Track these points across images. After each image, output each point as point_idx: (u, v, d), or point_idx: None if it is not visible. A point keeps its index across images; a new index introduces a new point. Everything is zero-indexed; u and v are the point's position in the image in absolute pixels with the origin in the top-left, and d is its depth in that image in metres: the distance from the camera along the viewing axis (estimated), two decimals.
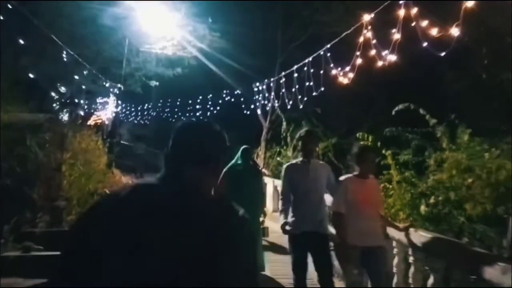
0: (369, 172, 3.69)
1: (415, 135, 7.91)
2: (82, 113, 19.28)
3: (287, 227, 3.80)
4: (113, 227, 1.10)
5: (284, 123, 13.98)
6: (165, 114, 22.71)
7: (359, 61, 5.89)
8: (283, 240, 8.01)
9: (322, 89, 7.85)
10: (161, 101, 22.47)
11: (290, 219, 3.80)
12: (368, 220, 3.51)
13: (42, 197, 4.84)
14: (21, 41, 5.32)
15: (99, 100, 18.17)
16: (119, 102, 26.90)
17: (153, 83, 13.68)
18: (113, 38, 10.72)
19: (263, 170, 9.70)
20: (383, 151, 6.98)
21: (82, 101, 10.54)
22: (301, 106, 9.30)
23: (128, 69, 11.87)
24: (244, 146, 5.70)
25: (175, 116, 21.64)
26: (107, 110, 28.03)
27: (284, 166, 4.15)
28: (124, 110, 27.95)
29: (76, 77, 6.68)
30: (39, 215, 4.72)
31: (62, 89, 7.51)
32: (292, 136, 14.10)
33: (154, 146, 24.92)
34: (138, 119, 26.65)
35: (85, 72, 7.54)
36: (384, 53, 5.05)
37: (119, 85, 9.70)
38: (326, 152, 14.04)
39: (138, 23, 10.96)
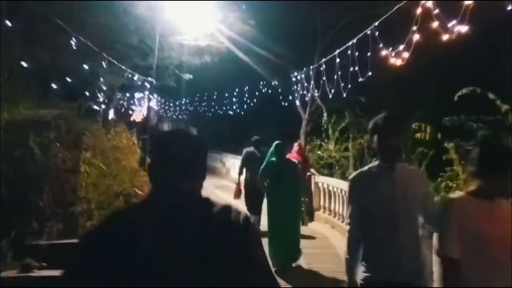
0: (502, 192, 2.06)
1: (482, 124, 6.75)
2: (116, 109, 19.31)
3: (362, 275, 2.36)
4: (117, 252, 1.09)
5: (325, 114, 13.02)
6: (202, 109, 22.35)
7: (416, 37, 4.88)
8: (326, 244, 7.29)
9: (370, 73, 6.86)
10: (198, 95, 22.14)
11: (365, 263, 2.37)
12: (505, 272, 1.98)
13: (53, 204, 4.29)
14: (29, 31, 4.96)
15: (137, 95, 18.08)
16: (156, 97, 27.03)
17: (187, 76, 13.17)
18: (142, 30, 10.24)
19: (311, 170, 8.98)
20: (446, 144, 5.96)
21: (115, 97, 10.13)
22: (344, 94, 8.35)
23: (160, 62, 11.39)
24: (276, 142, 5.78)
25: (212, 110, 21.21)
26: (143, 106, 28.29)
27: (351, 176, 2.62)
28: (163, 106, 28.09)
29: (86, 67, 6.23)
30: (49, 225, 4.18)
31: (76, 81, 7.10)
32: (334, 128, 13.18)
33: None
34: (176, 114, 26.57)
35: (103, 63, 7.08)
36: (451, 24, 4.04)
37: (149, 79, 9.17)
38: (371, 144, 12.93)
39: (168, 13, 10.42)
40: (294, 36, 12.79)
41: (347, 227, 2.52)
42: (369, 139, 2.51)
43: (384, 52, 5.96)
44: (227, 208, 1.22)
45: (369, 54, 6.60)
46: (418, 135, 6.76)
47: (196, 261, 1.08)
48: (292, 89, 13.57)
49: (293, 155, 8.03)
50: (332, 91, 9.03)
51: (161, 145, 1.28)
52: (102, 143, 8.21)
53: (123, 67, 7.76)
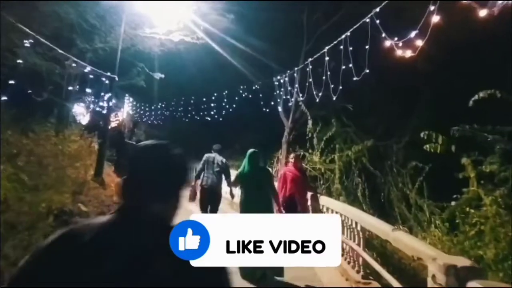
0: None
1: (499, 135, 5.63)
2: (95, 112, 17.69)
3: None
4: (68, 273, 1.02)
5: (310, 122, 11.86)
6: (178, 114, 20.91)
7: (435, 19, 3.71)
8: None
9: (367, 71, 5.69)
10: (174, 99, 20.76)
11: None
12: None
13: None
14: None
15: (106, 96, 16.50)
16: (131, 100, 25.46)
17: (158, 75, 11.80)
18: (105, 21, 8.86)
19: (312, 187, 7.52)
20: (464, 159, 4.78)
21: (68, 90, 8.53)
22: (334, 97, 7.17)
23: (127, 58, 10.01)
24: (250, 150, 5.75)
25: (188, 115, 19.78)
26: (119, 109, 26.68)
27: None
28: (138, 110, 26.50)
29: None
30: None
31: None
32: (319, 137, 12.03)
33: None
34: (151, 119, 25.04)
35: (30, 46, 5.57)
36: None
37: (108, 74, 7.74)
38: (359, 157, 11.89)
39: (135, 3, 9.10)
40: (278, 34, 11.67)
41: None
42: None
43: (388, 44, 4.76)
44: None
45: (367, 47, 5.41)
46: (427, 146, 5.54)
47: None
48: (275, 93, 12.40)
49: (289, 169, 6.76)
50: (320, 94, 7.84)
51: (136, 161, 1.19)
52: (42, 148, 6.77)
53: (61, 51, 6.27)
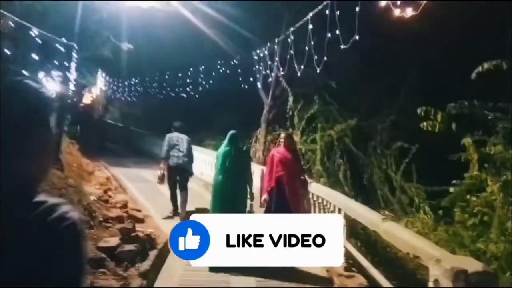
0: None
1: (500, 113, 5.03)
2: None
3: None
4: None
5: (291, 99, 11.15)
6: (153, 90, 19.82)
7: None
8: None
9: (357, 37, 4.94)
10: (149, 75, 19.64)
11: None
12: None
13: None
14: None
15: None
16: (104, 76, 24.09)
17: (126, 45, 10.78)
18: None
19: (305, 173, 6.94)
20: (466, 140, 4.16)
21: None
22: (318, 70, 6.46)
23: (89, 25, 8.95)
24: (231, 132, 5.72)
25: (163, 91, 18.74)
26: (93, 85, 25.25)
27: None
28: (110, 86, 25.14)
29: None
30: None
31: None
32: (300, 115, 11.37)
33: (141, 125, 22.16)
34: (125, 95, 23.80)
35: None
36: None
37: (63, 40, 6.74)
38: (342, 137, 11.31)
39: None
40: (257, 4, 10.79)
41: None
42: None
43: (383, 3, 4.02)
44: (50, 207, 0.97)
45: (357, 9, 4.65)
46: (425, 124, 4.86)
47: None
48: (254, 68, 11.59)
49: (278, 150, 6.06)
50: (302, 66, 7.10)
51: None
52: None
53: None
